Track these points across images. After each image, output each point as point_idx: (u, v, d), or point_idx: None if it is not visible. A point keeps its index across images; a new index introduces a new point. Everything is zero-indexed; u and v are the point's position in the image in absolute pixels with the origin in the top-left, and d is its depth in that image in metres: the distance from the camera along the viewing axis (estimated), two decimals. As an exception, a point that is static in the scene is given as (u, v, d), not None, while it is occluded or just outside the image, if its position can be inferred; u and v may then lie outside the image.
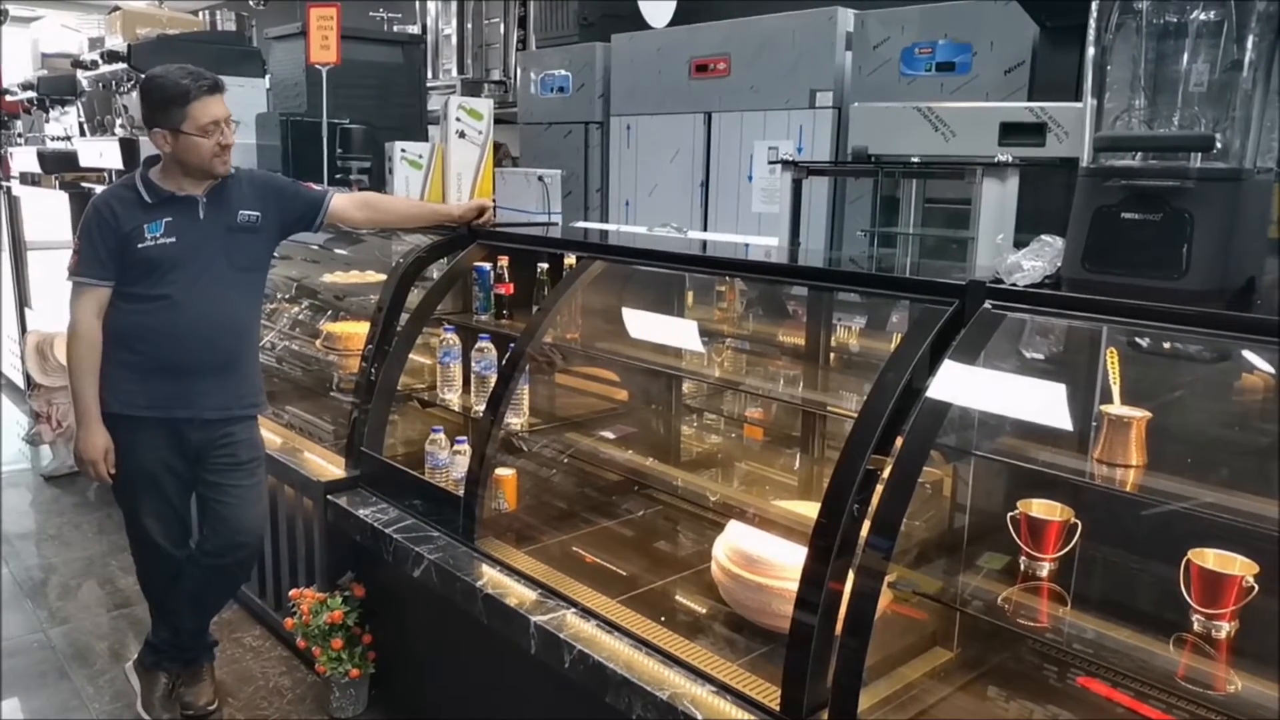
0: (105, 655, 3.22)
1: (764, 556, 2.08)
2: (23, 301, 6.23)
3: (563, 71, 5.19)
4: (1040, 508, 1.76)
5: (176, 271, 2.53)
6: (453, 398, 3.00)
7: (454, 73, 6.67)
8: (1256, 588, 1.51)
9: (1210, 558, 1.56)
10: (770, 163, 4.14)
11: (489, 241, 3.06)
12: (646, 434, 2.93)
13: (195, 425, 2.60)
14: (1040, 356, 1.97)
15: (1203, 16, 1.59)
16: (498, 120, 3.81)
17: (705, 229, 4.48)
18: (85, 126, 6.01)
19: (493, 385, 2.66)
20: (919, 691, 1.88)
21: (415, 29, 6.68)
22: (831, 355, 2.52)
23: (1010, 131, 2.77)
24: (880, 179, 3.00)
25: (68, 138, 6.26)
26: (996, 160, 2.59)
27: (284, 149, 4.45)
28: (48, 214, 5.78)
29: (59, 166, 5.91)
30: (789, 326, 2.69)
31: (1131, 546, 1.84)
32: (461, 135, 3.35)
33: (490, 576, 2.34)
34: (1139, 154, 1.70)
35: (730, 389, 2.79)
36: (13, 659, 3.20)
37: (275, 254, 2.89)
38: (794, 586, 1.77)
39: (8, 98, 7.13)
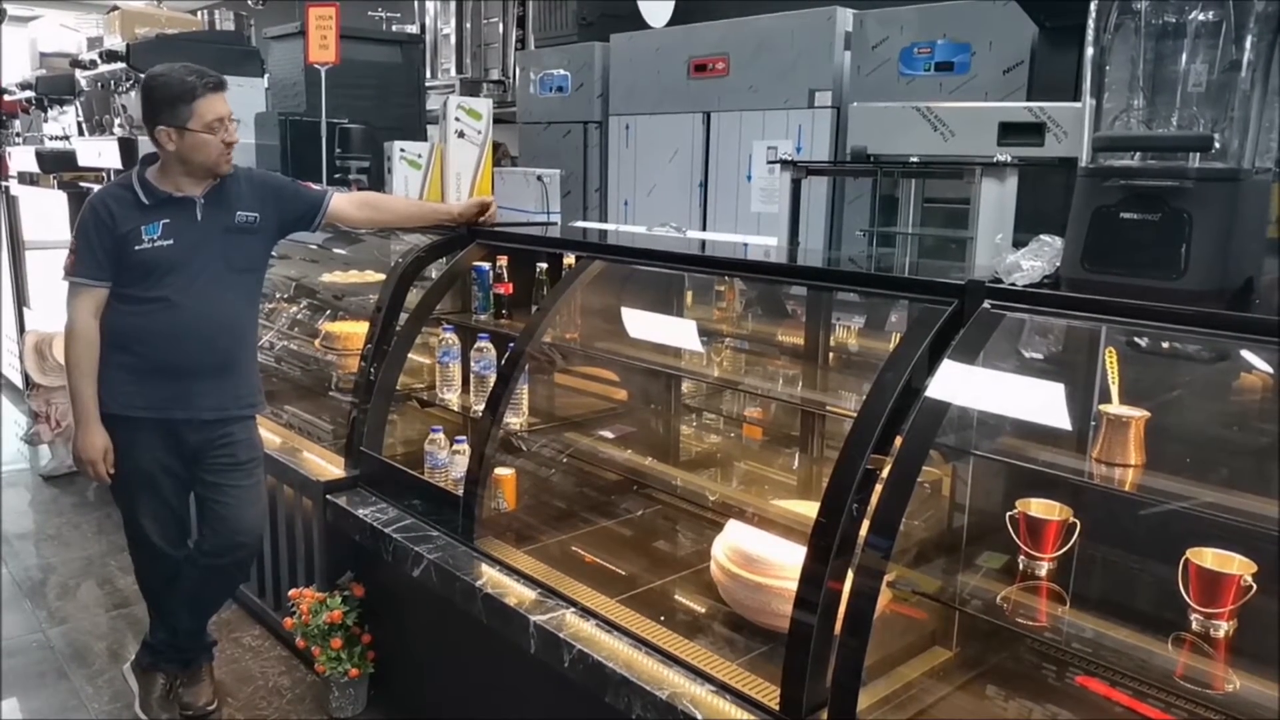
0: (104, 655, 3.22)
1: (763, 556, 2.08)
2: (21, 301, 6.22)
3: (561, 71, 5.19)
4: (1039, 507, 1.76)
5: (174, 273, 2.52)
6: (452, 397, 3.00)
7: (453, 72, 6.67)
8: (1255, 587, 1.52)
9: (1209, 557, 1.56)
10: (769, 162, 4.14)
11: (488, 241, 3.06)
12: (646, 434, 2.93)
13: (193, 426, 2.60)
14: (1039, 356, 1.97)
15: (1201, 17, 1.59)
16: (497, 120, 3.80)
17: (704, 229, 4.48)
18: (84, 126, 6.00)
19: (492, 385, 2.66)
20: (918, 691, 1.88)
21: (414, 28, 6.67)
22: (831, 355, 2.52)
23: (1009, 131, 2.77)
24: (879, 179, 3.00)
25: (66, 137, 6.26)
26: (995, 160, 2.60)
27: (283, 149, 4.45)
28: (46, 214, 5.78)
29: (57, 166, 5.90)
30: (788, 326, 2.69)
31: (1130, 546, 1.84)
32: (460, 135, 3.35)
33: (489, 576, 2.34)
34: (1138, 154, 1.70)
35: (729, 389, 2.79)
36: (11, 659, 3.20)
37: (274, 253, 2.89)
38: (793, 586, 1.77)
39: (6, 97, 7.12)
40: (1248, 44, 1.56)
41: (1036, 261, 1.79)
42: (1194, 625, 1.56)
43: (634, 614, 2.13)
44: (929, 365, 1.77)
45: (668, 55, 4.61)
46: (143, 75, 2.63)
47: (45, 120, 6.80)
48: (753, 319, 2.85)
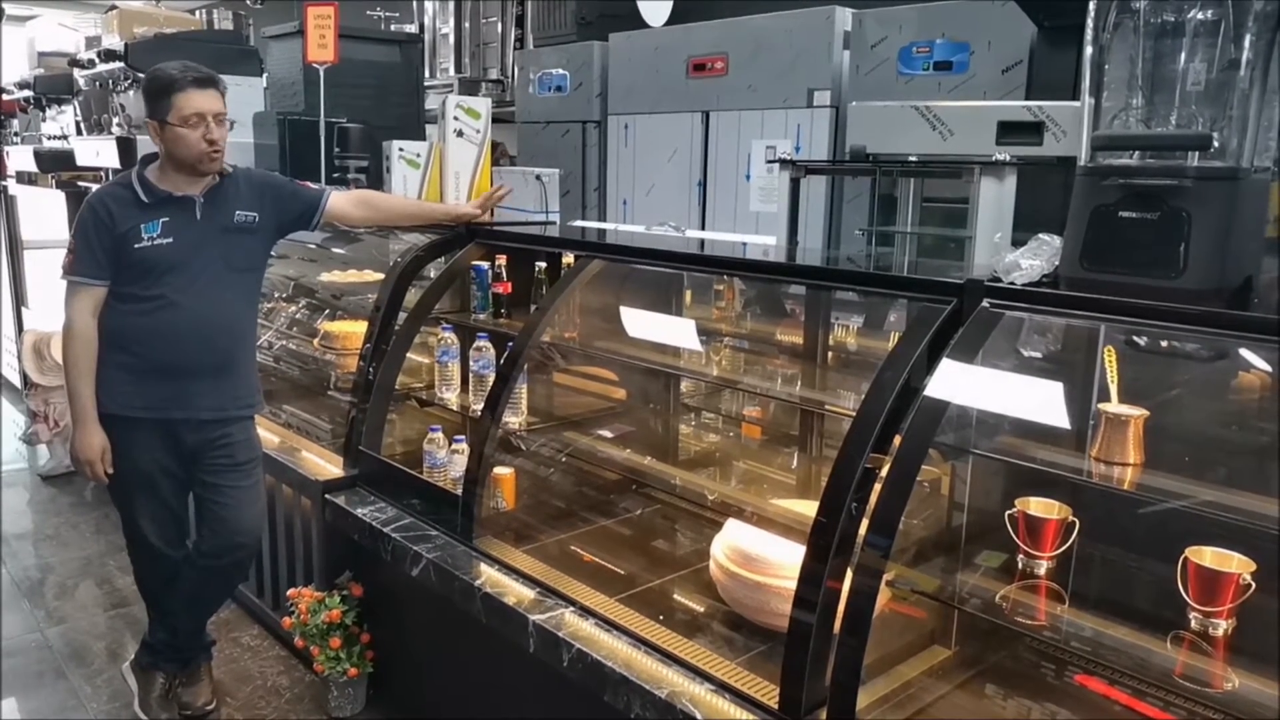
0: (102, 655, 3.22)
1: (762, 555, 2.08)
2: (19, 301, 6.22)
3: (560, 70, 5.19)
4: (1038, 506, 1.76)
5: (173, 273, 2.52)
6: (451, 397, 2.99)
7: (451, 72, 6.68)
8: (1254, 585, 1.52)
9: (1208, 556, 1.56)
10: (768, 162, 4.14)
11: (487, 240, 3.06)
12: (645, 433, 2.93)
13: (191, 426, 2.59)
14: (1038, 355, 1.97)
15: (1200, 16, 1.59)
16: (495, 119, 3.80)
17: (703, 228, 4.49)
18: (82, 125, 5.99)
19: (491, 384, 2.66)
20: (917, 690, 1.88)
21: (413, 28, 6.68)
22: (829, 354, 2.52)
23: (1008, 130, 2.77)
24: (878, 178, 3.00)
25: (64, 137, 6.25)
26: (994, 159, 2.60)
27: (281, 148, 4.46)
28: (44, 213, 5.78)
29: (55, 166, 5.90)
30: (787, 325, 2.69)
31: (1129, 544, 1.84)
32: (459, 134, 3.34)
33: (488, 575, 2.34)
34: (1136, 153, 1.70)
35: (728, 388, 2.79)
36: (10, 659, 3.19)
37: (272, 253, 2.89)
38: (792, 585, 1.77)
39: (4, 96, 7.11)
40: (1246, 43, 1.57)
41: (1035, 260, 1.79)
42: (1193, 624, 1.56)
43: (633, 613, 2.13)
44: (928, 364, 1.77)
45: (666, 55, 4.61)
46: (143, 74, 2.63)
47: (43, 120, 6.79)
48: (751, 318, 2.85)
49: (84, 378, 2.51)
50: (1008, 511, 1.77)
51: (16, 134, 7.37)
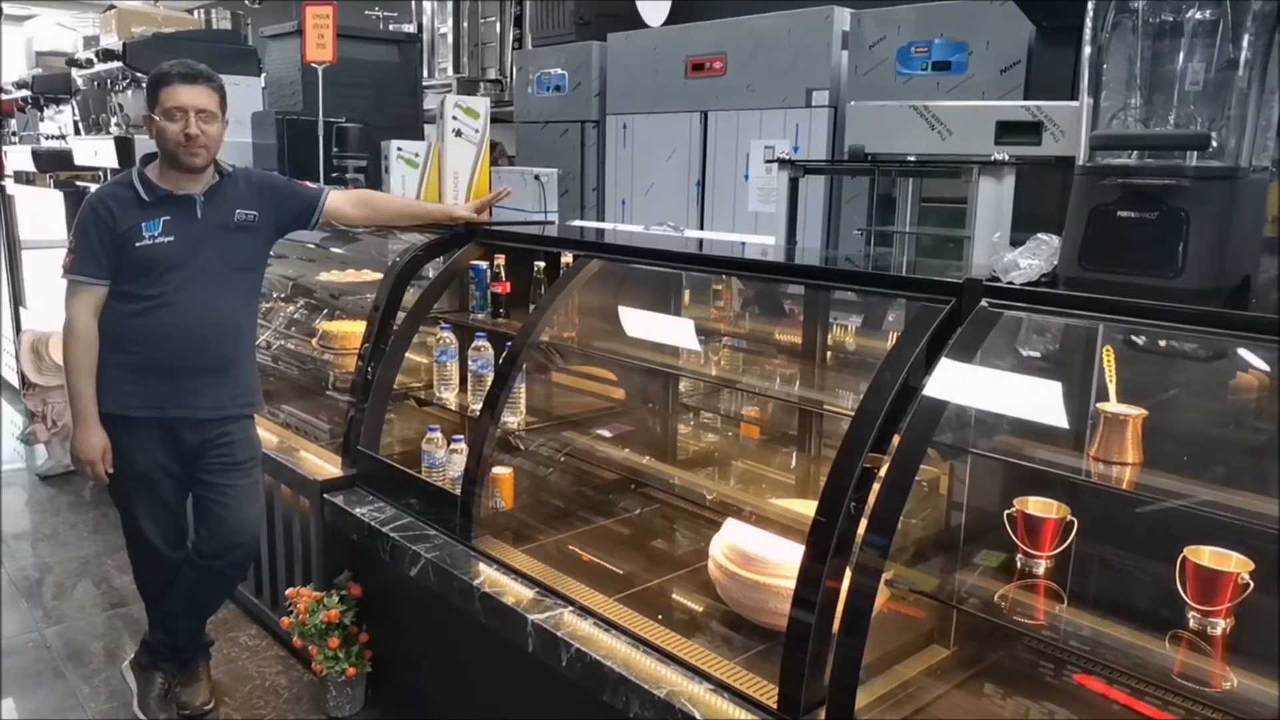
0: (101, 655, 3.22)
1: (761, 555, 2.08)
2: (17, 301, 6.21)
3: (559, 70, 5.19)
4: (1037, 505, 1.76)
5: (173, 271, 2.52)
6: (449, 396, 2.99)
7: (450, 71, 6.67)
8: (1252, 585, 1.52)
9: (1206, 555, 1.57)
10: (767, 161, 4.14)
11: (485, 240, 3.06)
12: (643, 432, 2.93)
13: (190, 425, 2.59)
14: (1037, 354, 1.97)
15: (1198, 16, 1.59)
16: (494, 119, 3.80)
17: (701, 228, 4.49)
18: (80, 125, 5.99)
19: (489, 384, 2.66)
20: (916, 689, 1.88)
21: (411, 28, 6.68)
22: (828, 354, 2.52)
23: (1006, 130, 2.78)
24: (876, 178, 3.01)
25: (62, 136, 6.25)
26: (993, 159, 2.60)
27: (280, 148, 4.45)
28: (42, 213, 5.77)
29: (54, 165, 5.90)
30: (786, 325, 2.69)
31: (1128, 544, 1.85)
32: (458, 134, 3.34)
33: (487, 575, 2.34)
34: (1135, 153, 1.70)
35: (727, 387, 2.79)
36: (8, 659, 3.19)
37: (271, 253, 2.89)
38: (791, 585, 1.77)
39: (3, 96, 7.11)
40: (1245, 43, 1.57)
41: (1034, 260, 1.79)
42: (1191, 623, 1.57)
43: (632, 613, 2.13)
44: (926, 364, 1.77)
45: (665, 54, 4.61)
46: (141, 73, 2.65)
47: (41, 119, 6.79)
48: (750, 318, 2.85)
49: (85, 377, 2.51)
50: (1006, 511, 1.77)
51: (14, 134, 7.36)
